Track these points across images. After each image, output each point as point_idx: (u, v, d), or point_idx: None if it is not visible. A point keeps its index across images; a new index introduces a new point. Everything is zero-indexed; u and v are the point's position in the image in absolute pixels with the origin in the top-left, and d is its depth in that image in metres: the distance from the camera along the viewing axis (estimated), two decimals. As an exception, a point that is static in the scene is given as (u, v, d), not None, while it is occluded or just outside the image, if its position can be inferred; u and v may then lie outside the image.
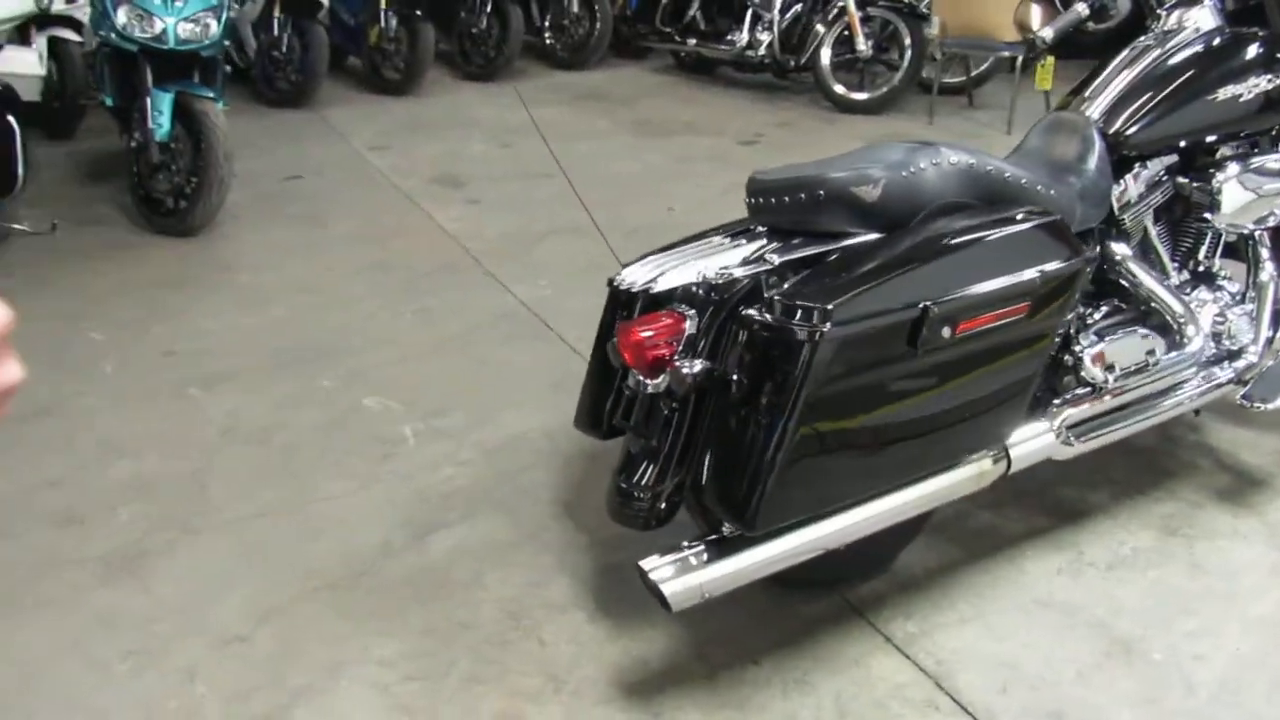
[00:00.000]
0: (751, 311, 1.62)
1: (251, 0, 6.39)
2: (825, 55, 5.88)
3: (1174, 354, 2.10)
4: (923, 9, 5.64)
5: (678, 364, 1.66)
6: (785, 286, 1.65)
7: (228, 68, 4.94)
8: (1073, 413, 1.97)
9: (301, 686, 1.82)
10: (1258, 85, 2.12)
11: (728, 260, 1.74)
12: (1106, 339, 2.02)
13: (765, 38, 6.23)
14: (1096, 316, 2.14)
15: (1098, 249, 2.02)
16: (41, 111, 5.24)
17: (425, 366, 3.04)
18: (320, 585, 2.10)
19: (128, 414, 2.79)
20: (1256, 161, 2.15)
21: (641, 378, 1.71)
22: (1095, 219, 2.00)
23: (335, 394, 2.88)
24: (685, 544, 1.66)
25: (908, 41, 5.69)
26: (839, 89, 5.91)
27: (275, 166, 5.15)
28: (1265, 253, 2.28)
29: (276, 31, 6.29)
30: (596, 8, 7.17)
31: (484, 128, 5.88)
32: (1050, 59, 2.61)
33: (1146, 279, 2.12)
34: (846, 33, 5.87)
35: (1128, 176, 2.13)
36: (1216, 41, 2.17)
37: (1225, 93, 2.11)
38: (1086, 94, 2.21)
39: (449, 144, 5.53)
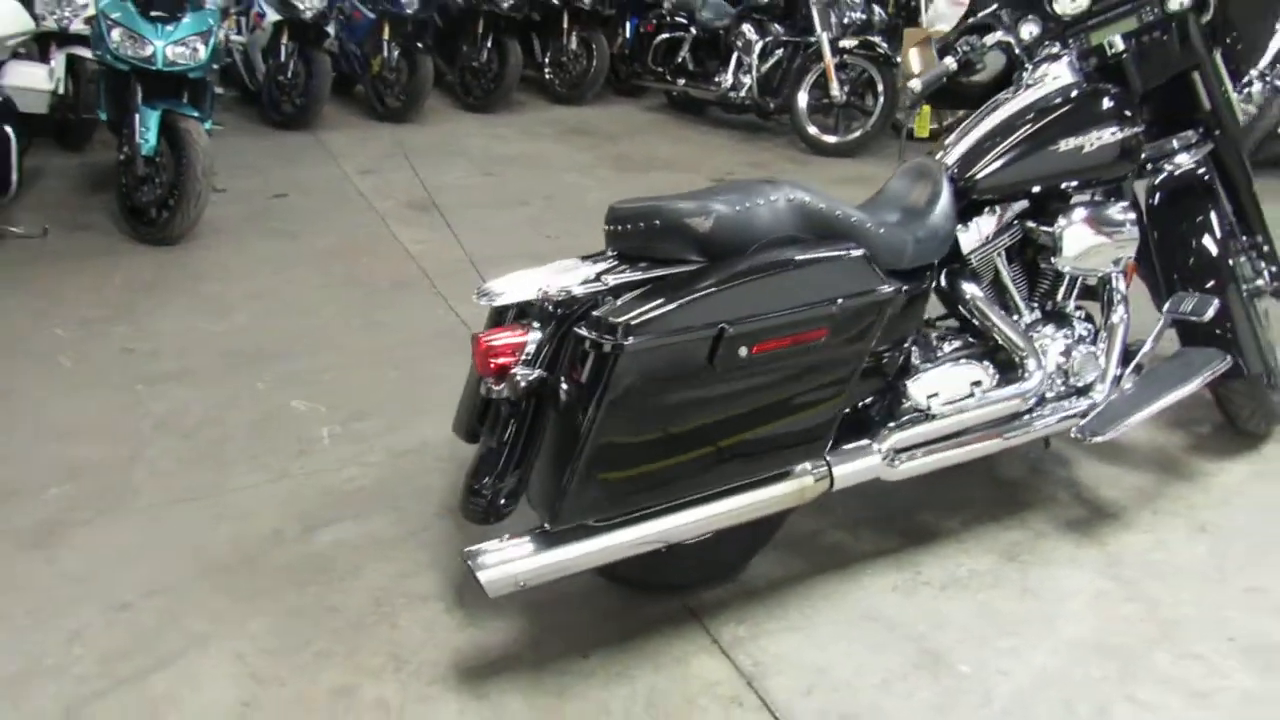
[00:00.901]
0: (578, 327, 1.79)
1: (261, 28, 6.71)
2: (802, 99, 6.08)
3: (1009, 387, 2.23)
4: (896, 57, 5.82)
5: (514, 372, 1.82)
6: (607, 305, 1.81)
7: (219, 90, 5.20)
8: (901, 436, 2.10)
9: (170, 652, 1.99)
10: (1100, 138, 2.26)
11: (576, 280, 1.91)
12: (935, 367, 2.16)
13: (747, 80, 6.44)
14: (945, 347, 2.28)
15: (931, 283, 2.15)
16: (57, 124, 5.57)
17: (358, 374, 3.23)
18: (211, 566, 2.27)
19: (75, 404, 3.00)
20: (1097, 210, 2.29)
21: (489, 383, 1.88)
22: (932, 256, 2.14)
23: (268, 395, 3.07)
24: (509, 535, 1.82)
25: (880, 88, 5.87)
26: (813, 131, 6.10)
27: (267, 185, 5.42)
28: (1118, 296, 2.41)
29: (284, 58, 6.61)
30: (594, 46, 7.43)
31: (471, 156, 6.12)
32: (925, 108, 2.77)
33: (990, 314, 2.25)
34: (823, 78, 6.06)
35: (977, 219, 2.28)
36: (1067, 95, 2.31)
37: (1067, 144, 2.25)
38: (948, 142, 2.37)
39: (434, 170, 5.77)
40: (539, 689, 1.91)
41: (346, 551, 2.33)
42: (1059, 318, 2.38)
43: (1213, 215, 2.52)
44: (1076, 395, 2.35)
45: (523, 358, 1.86)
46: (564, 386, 1.80)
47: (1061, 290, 2.41)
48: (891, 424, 2.11)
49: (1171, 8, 2.35)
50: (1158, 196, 2.64)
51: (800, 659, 1.99)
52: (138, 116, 4.27)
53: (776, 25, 6.42)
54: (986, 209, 2.29)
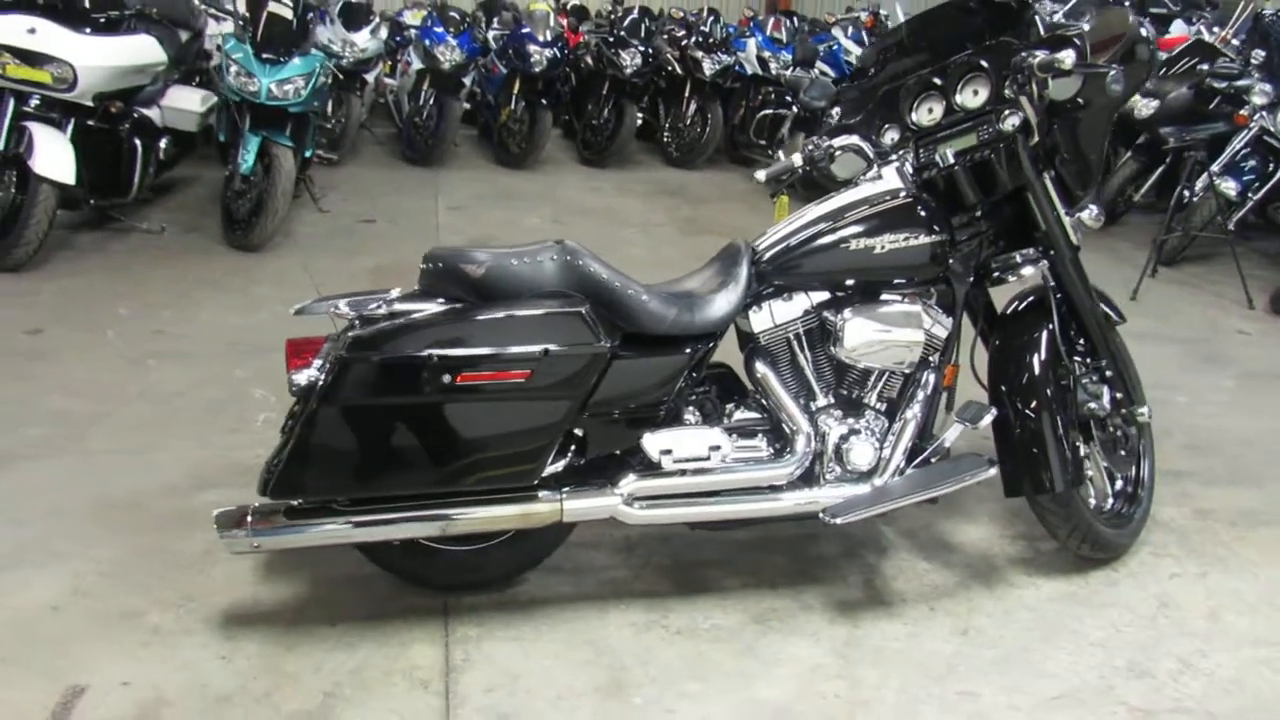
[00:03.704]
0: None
1: (406, 74, 7.56)
2: (873, 183, 6.18)
3: (763, 460, 2.38)
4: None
5: (292, 372, 2.21)
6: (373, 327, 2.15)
7: (319, 125, 5.92)
8: (641, 485, 2.30)
9: (28, 560, 2.49)
10: (894, 242, 2.40)
11: (368, 305, 2.26)
12: (680, 427, 2.34)
13: (828, 160, 6.61)
14: (735, 414, 2.47)
15: (700, 353, 2.32)
16: (221, 142, 6.53)
17: (324, 376, 3.71)
18: (104, 504, 2.77)
19: (93, 366, 3.65)
20: (885, 308, 2.41)
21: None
22: (702, 329, 2.33)
23: (241, 382, 3.61)
24: (259, 504, 2.19)
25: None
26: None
27: (364, 210, 6.14)
28: (921, 394, 2.50)
29: (422, 102, 7.40)
30: (710, 115, 7.82)
31: (557, 205, 6.64)
32: (783, 198, 2.93)
33: (771, 391, 2.42)
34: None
35: (771, 302, 2.46)
36: (873, 199, 2.46)
37: (859, 244, 2.40)
38: (770, 229, 2.57)
39: (515, 214, 6.31)
40: (277, 641, 2.26)
41: (211, 511, 2.76)
42: (853, 406, 2.50)
43: (1044, 334, 2.56)
44: (858, 480, 2.46)
45: (315, 362, 2.24)
46: (320, 389, 2.16)
47: (869, 382, 2.53)
48: (634, 472, 2.32)
49: (1003, 128, 2.45)
50: (1010, 308, 2.71)
51: (504, 664, 2.23)
52: (241, 141, 5.04)
53: (866, 111, 6.56)
54: (784, 294, 2.47)
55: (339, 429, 2.08)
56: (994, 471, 2.45)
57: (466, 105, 7.91)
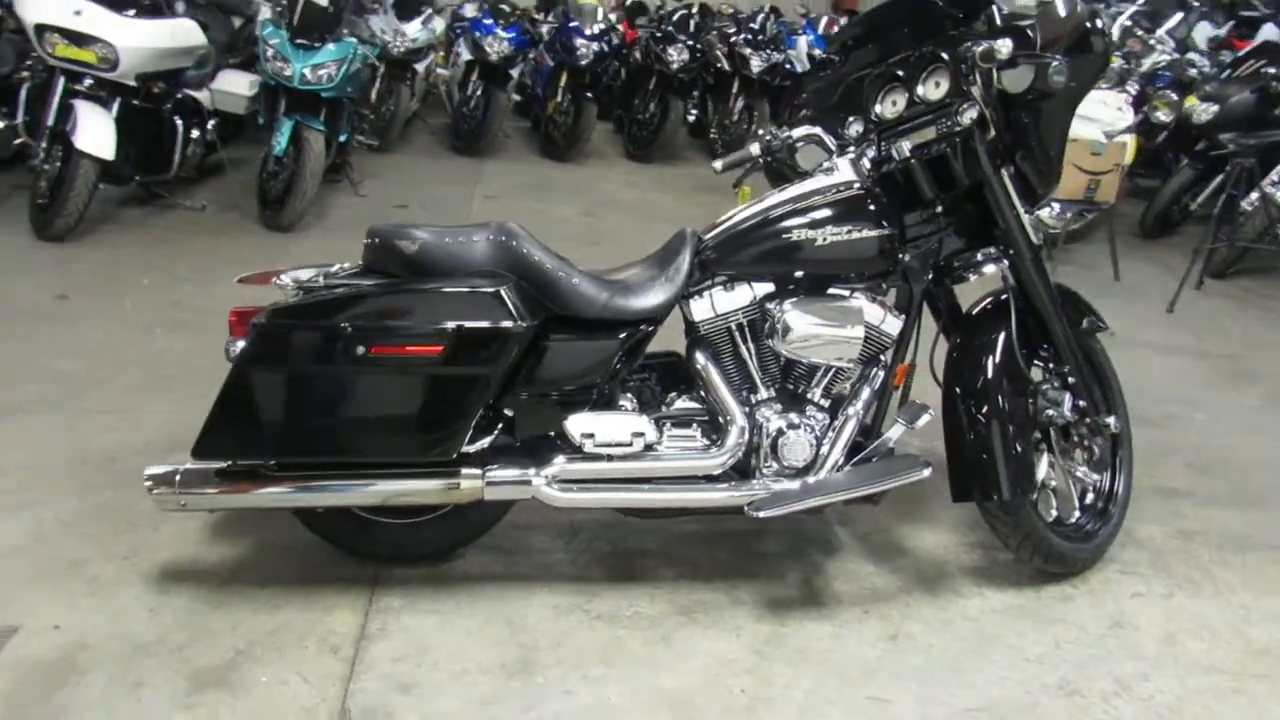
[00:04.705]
0: (271, 310, 2.21)
1: (455, 65, 7.68)
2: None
3: (698, 451, 2.35)
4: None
5: (231, 340, 2.27)
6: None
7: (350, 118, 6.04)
8: (567, 468, 2.30)
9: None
10: (836, 234, 2.35)
11: (308, 276, 2.31)
12: (605, 412, 2.33)
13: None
14: (677, 403, 2.45)
15: (632, 339, 2.31)
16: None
17: (319, 352, 3.80)
18: (81, 459, 2.90)
19: (105, 332, 3.82)
20: (826, 303, 2.36)
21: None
22: (636, 315, 2.31)
23: (238, 354, 3.71)
24: (188, 464, 2.26)
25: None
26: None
27: (400, 196, 6.26)
28: (867, 391, 2.45)
29: (470, 92, 7.51)
30: (756, 112, 7.76)
31: (592, 198, 6.66)
32: (746, 188, 2.89)
33: (709, 380, 2.39)
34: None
35: (712, 291, 2.43)
36: (823, 190, 2.41)
37: (801, 234, 2.35)
38: (723, 216, 2.55)
39: (547, 205, 6.36)
40: (205, 599, 2.33)
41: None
42: (795, 401, 2.46)
43: (1000, 337, 2.47)
44: (795, 476, 2.41)
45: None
46: (255, 355, 2.22)
47: (814, 378, 2.48)
48: (563, 454, 2.32)
49: (961, 121, 2.38)
50: (975, 308, 2.63)
51: (419, 636, 2.26)
52: (276, 124, 5.19)
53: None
54: (727, 284, 2.43)
55: (257, 395, 2.13)
56: (928, 473, 2.37)
57: (518, 97, 7.99)
